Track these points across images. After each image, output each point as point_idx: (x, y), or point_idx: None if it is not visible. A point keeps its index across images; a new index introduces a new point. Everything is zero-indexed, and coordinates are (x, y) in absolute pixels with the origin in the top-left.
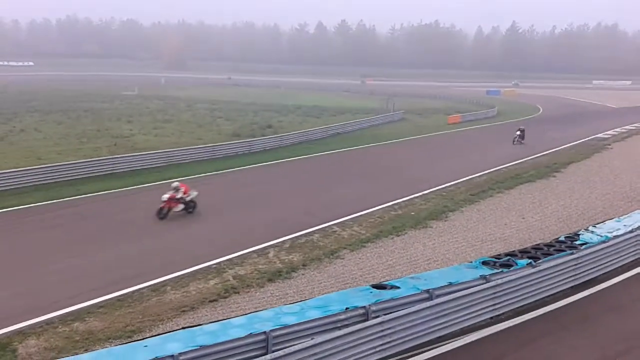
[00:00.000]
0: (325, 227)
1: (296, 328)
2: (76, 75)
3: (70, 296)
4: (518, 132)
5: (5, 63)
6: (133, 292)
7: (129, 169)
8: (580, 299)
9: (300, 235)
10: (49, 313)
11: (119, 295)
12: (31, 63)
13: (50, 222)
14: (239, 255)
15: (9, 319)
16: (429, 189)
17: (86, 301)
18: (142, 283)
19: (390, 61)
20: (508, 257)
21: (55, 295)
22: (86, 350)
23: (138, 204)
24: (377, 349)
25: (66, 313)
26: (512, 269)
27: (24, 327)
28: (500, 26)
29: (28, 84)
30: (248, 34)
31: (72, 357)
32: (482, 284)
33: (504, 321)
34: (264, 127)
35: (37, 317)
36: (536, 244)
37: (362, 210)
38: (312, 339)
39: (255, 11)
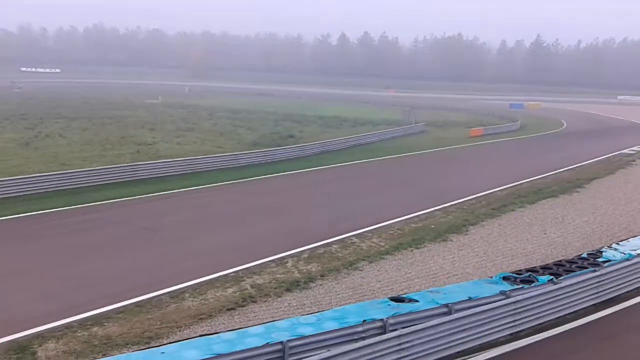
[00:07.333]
0: (344, 238)
1: (313, 339)
2: (101, 83)
3: (90, 301)
4: None
5: (33, 70)
6: (152, 298)
7: (152, 176)
8: (603, 317)
9: (319, 246)
10: (68, 317)
11: (138, 301)
12: (58, 70)
13: (72, 227)
14: (257, 264)
15: (29, 322)
16: (449, 202)
17: (105, 306)
18: (160, 289)
19: (413, 73)
20: (529, 273)
21: (74, 299)
22: (104, 355)
23: (160, 210)
24: None
25: (85, 317)
26: (533, 285)
27: (43, 330)
28: (524, 40)
29: (54, 90)
30: (271, 44)
31: None
32: (502, 299)
33: (524, 338)
34: (285, 137)
35: (56, 320)
36: (558, 261)
37: (381, 222)
38: (328, 350)
39: (279, 22)
